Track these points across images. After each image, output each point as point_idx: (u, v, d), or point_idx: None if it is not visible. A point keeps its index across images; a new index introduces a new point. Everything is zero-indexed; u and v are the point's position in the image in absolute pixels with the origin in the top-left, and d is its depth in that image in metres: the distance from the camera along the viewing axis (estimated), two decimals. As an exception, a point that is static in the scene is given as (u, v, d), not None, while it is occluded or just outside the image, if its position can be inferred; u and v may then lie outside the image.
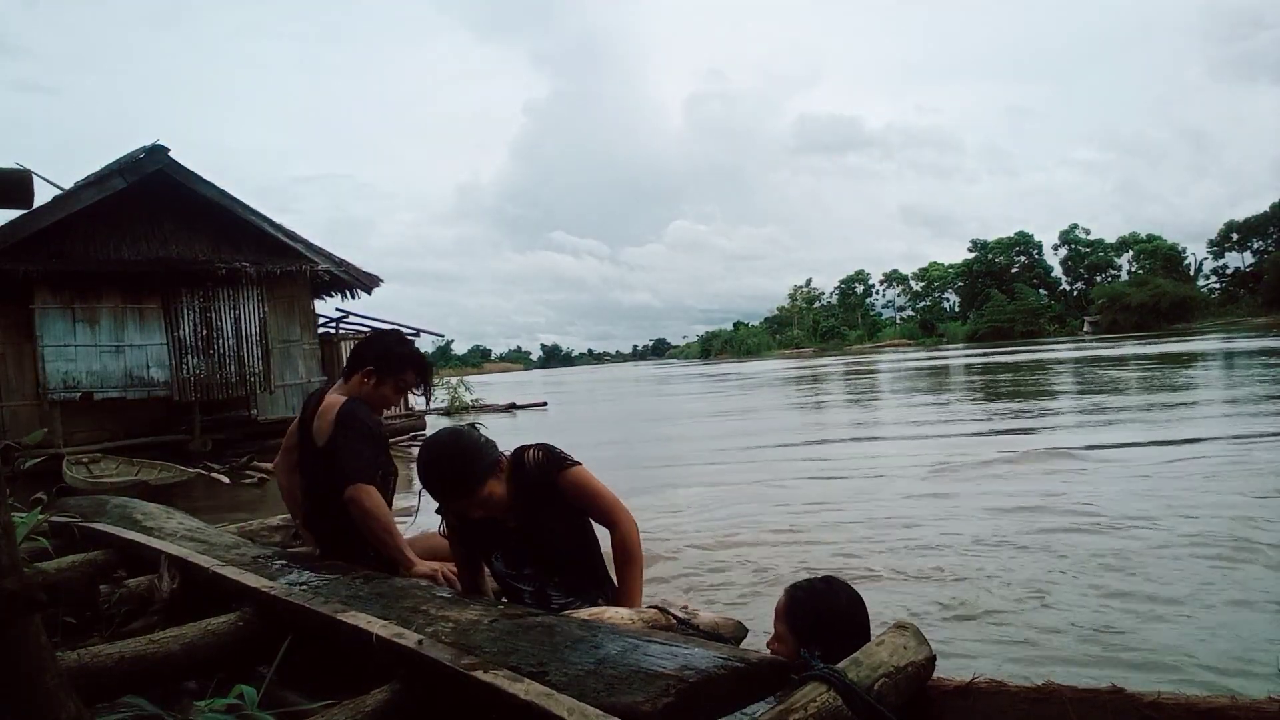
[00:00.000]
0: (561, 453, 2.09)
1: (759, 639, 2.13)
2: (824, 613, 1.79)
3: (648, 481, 8.06)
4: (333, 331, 16.62)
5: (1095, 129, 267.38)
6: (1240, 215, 76.34)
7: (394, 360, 2.58)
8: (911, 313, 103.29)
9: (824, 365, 46.59)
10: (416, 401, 20.25)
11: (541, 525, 2.07)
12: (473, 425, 2.12)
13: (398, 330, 2.90)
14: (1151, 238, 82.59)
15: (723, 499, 6.74)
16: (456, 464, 1.96)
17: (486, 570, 2.26)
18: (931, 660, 1.43)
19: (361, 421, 2.45)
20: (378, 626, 1.65)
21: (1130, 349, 31.80)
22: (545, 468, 2.06)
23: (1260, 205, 74.90)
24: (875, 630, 1.65)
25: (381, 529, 2.33)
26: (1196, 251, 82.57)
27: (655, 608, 1.97)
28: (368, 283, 15.28)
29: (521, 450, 2.12)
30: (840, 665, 1.30)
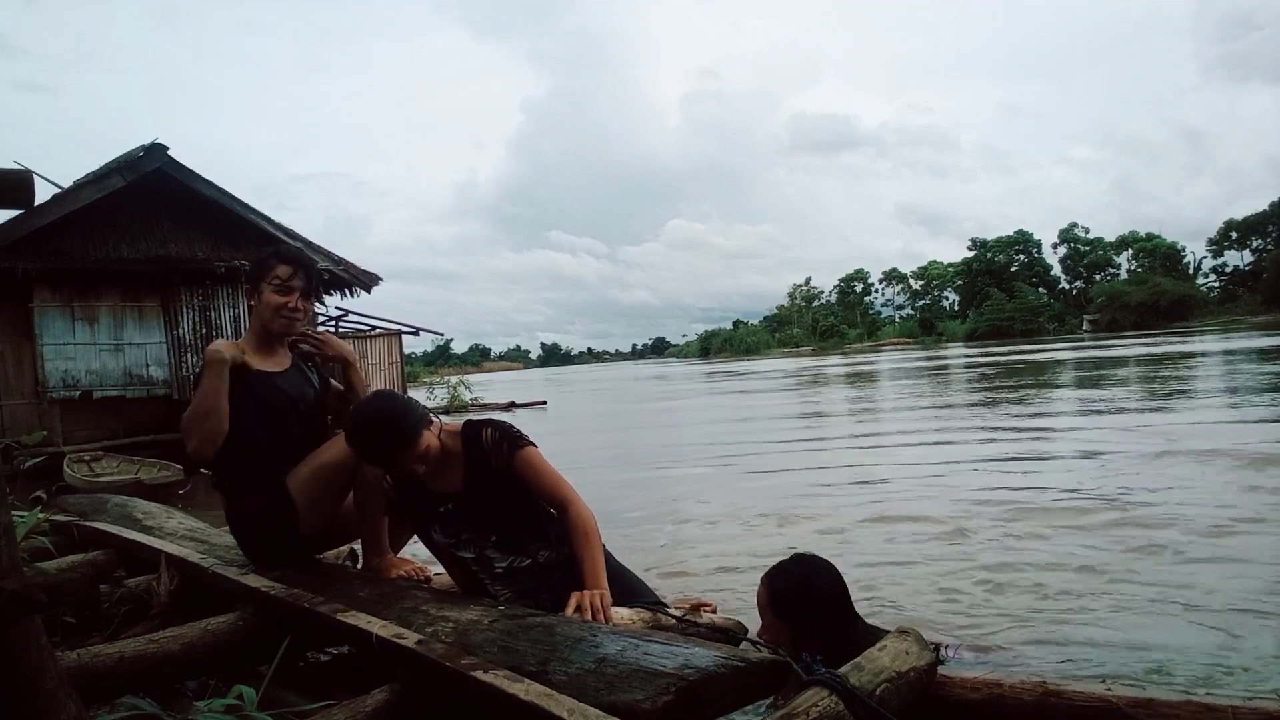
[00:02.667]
0: (516, 431, 2.10)
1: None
2: (809, 593, 1.80)
3: (652, 486, 8.05)
4: (332, 330, 16.61)
5: (1090, 128, 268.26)
6: (1235, 214, 76.56)
7: (258, 265, 2.43)
8: (911, 311, 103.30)
9: (831, 364, 46.21)
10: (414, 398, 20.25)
11: (488, 499, 2.09)
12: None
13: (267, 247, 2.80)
14: (1151, 236, 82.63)
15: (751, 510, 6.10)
16: (387, 422, 1.97)
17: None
18: (934, 665, 1.43)
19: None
20: (378, 626, 1.64)
21: (1178, 346, 29.59)
22: (498, 445, 2.07)
23: (1255, 204, 75.18)
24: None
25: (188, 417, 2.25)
26: (1195, 250, 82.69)
27: (652, 608, 1.98)
28: (367, 281, 15.26)
29: (476, 425, 2.13)
30: (843, 670, 1.30)
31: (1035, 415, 11.32)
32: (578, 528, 2.00)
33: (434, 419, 2.08)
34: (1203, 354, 24.29)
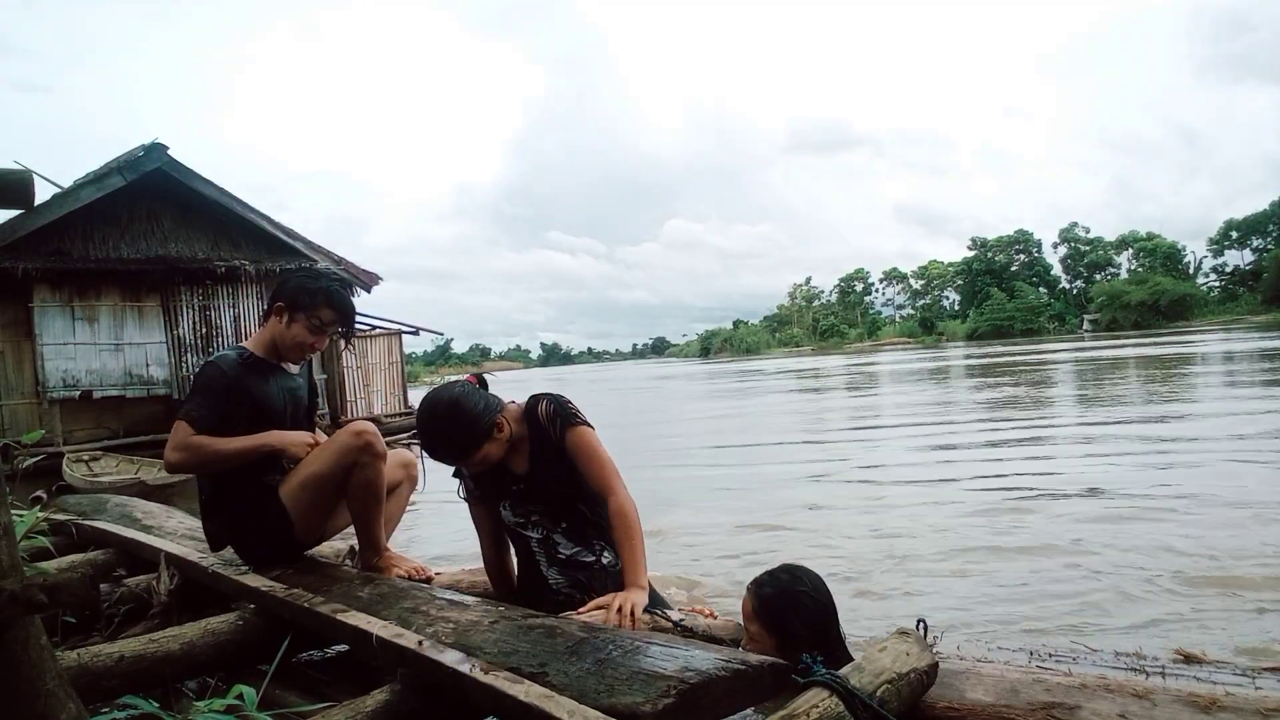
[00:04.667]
0: (572, 408, 2.06)
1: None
2: (797, 601, 1.79)
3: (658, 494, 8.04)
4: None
5: (1088, 128, 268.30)
6: (1233, 213, 76.78)
7: (305, 295, 2.33)
8: (911, 311, 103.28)
9: (835, 364, 46.04)
10: (415, 398, 20.23)
11: (549, 476, 2.05)
12: (481, 378, 2.10)
13: (308, 268, 2.71)
14: (1151, 236, 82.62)
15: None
16: (452, 429, 1.93)
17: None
18: (934, 667, 1.43)
19: (203, 374, 2.29)
20: (378, 627, 1.64)
21: (1198, 347, 28.89)
22: (553, 421, 2.03)
23: (1252, 204, 75.37)
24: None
25: (171, 451, 2.21)
26: (1194, 249, 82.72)
27: (652, 610, 1.97)
28: (367, 281, 15.26)
29: (535, 400, 2.09)
30: (843, 671, 1.30)
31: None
32: (620, 517, 1.96)
33: (505, 423, 2.01)
34: (1228, 354, 23.75)
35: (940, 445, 9.65)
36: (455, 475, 2.17)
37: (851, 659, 1.79)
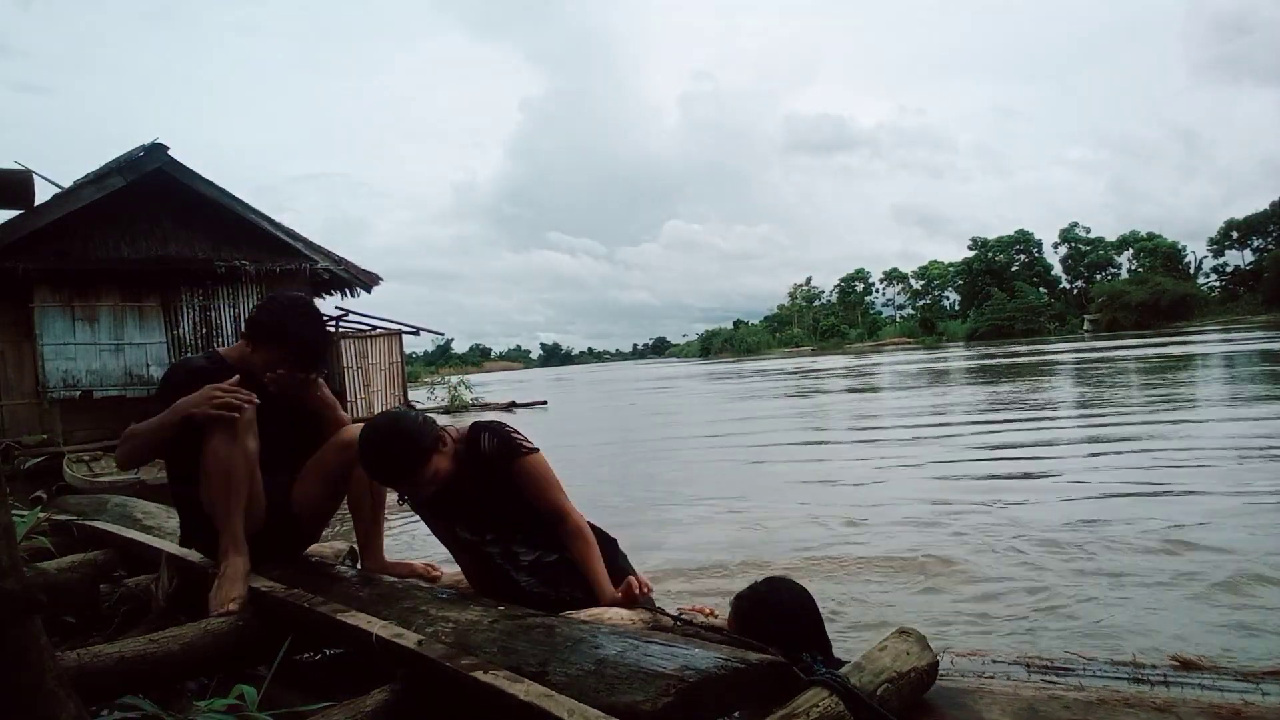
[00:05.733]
0: (517, 439, 2.07)
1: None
2: (774, 611, 1.80)
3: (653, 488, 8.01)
4: (332, 330, 16.60)
5: (1085, 129, 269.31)
6: (1231, 213, 76.89)
7: (262, 330, 2.17)
8: (911, 311, 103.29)
9: (838, 364, 45.71)
10: (415, 398, 20.24)
11: (497, 497, 2.08)
12: (409, 405, 2.12)
13: (296, 297, 2.33)
14: (1151, 236, 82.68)
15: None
16: (397, 445, 1.94)
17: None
18: (934, 666, 1.43)
19: (167, 373, 2.24)
20: (378, 626, 1.64)
21: (1208, 348, 28.42)
22: (500, 453, 2.05)
23: (1250, 204, 75.45)
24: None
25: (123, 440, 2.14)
26: (1195, 250, 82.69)
27: (652, 608, 1.97)
28: (368, 281, 15.27)
29: (477, 428, 2.11)
30: (843, 670, 1.30)
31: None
32: (578, 538, 2.04)
33: (448, 438, 2.03)
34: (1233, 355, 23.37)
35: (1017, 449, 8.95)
36: (401, 500, 2.18)
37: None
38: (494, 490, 2.08)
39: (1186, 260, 79.51)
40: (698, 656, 1.28)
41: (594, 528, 2.15)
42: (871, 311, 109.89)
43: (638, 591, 1.94)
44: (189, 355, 2.26)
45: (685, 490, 7.83)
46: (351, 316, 17.09)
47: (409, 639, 1.56)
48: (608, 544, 2.19)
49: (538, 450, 2.09)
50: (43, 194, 11.87)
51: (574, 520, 2.05)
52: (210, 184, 13.26)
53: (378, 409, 16.66)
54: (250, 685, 1.53)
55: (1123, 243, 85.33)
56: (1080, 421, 11.22)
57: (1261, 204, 72.51)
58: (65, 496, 4.93)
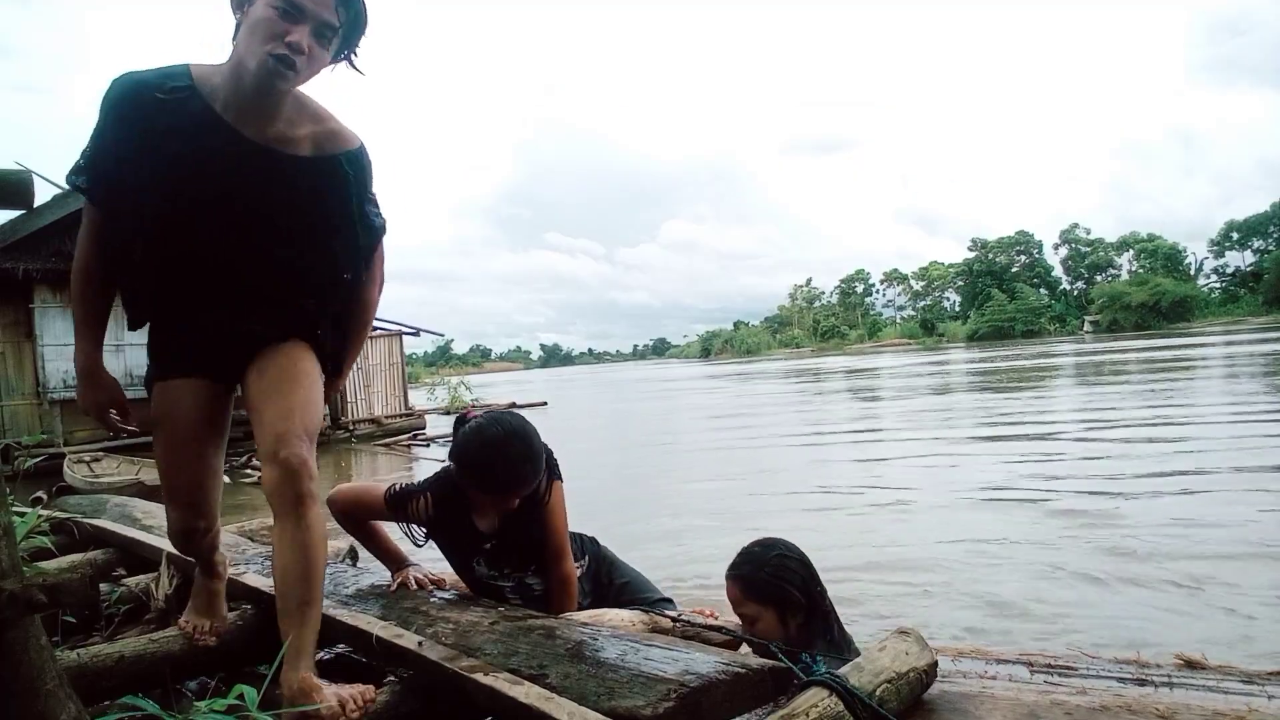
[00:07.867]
0: (553, 459, 1.95)
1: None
2: (780, 569, 1.81)
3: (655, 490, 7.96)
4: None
5: (1084, 130, 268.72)
6: (1230, 215, 76.98)
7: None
8: (912, 312, 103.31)
9: (853, 364, 44.99)
10: (415, 399, 20.21)
11: (521, 532, 1.95)
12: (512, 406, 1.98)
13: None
14: (1152, 237, 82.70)
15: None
16: (536, 463, 1.81)
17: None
18: (933, 666, 1.43)
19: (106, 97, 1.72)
20: (378, 627, 1.64)
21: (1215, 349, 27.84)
22: (548, 471, 1.92)
23: (1249, 205, 75.53)
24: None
25: None
26: (1195, 251, 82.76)
27: (651, 609, 1.97)
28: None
29: None
30: (842, 670, 1.30)
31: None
32: (569, 585, 1.93)
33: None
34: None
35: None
36: (400, 520, 2.03)
37: (839, 621, 1.80)
38: (521, 519, 1.91)
39: (1187, 261, 79.55)
40: (699, 661, 1.28)
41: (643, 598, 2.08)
42: (872, 313, 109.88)
43: None
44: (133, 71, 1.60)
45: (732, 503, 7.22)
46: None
47: (409, 639, 1.56)
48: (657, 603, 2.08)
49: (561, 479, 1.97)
50: (43, 194, 11.85)
51: (570, 566, 1.95)
52: (211, 184, 13.26)
53: (378, 411, 16.68)
54: (250, 685, 1.53)
55: (1123, 244, 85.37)
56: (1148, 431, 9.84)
57: (1261, 205, 72.70)
58: (65, 497, 4.93)
